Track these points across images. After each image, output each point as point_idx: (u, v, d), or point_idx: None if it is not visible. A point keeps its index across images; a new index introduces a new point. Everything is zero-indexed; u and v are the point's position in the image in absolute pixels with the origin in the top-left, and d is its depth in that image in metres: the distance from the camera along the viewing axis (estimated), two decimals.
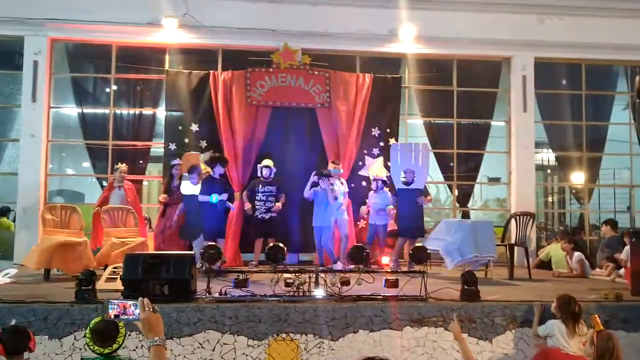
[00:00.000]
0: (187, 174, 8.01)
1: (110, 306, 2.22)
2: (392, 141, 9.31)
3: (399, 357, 5.14)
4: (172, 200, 8.37)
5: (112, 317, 2.23)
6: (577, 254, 8.09)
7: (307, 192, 8.18)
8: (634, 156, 10.70)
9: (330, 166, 8.56)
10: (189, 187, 7.96)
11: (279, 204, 8.28)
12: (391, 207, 8.36)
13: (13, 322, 4.02)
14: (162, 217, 8.47)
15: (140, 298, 2.20)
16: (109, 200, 8.20)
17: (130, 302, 2.21)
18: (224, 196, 7.93)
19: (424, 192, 8.32)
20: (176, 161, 8.66)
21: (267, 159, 8.56)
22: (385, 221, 8.44)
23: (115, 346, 3.59)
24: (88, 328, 3.66)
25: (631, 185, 10.89)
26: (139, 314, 2.17)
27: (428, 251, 5.96)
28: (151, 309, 2.18)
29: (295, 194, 8.70)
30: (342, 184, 8.57)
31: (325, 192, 8.05)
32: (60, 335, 5.05)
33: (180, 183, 8.31)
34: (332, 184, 8.11)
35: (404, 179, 8.25)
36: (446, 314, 5.22)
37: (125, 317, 2.22)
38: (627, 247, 7.08)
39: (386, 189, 8.59)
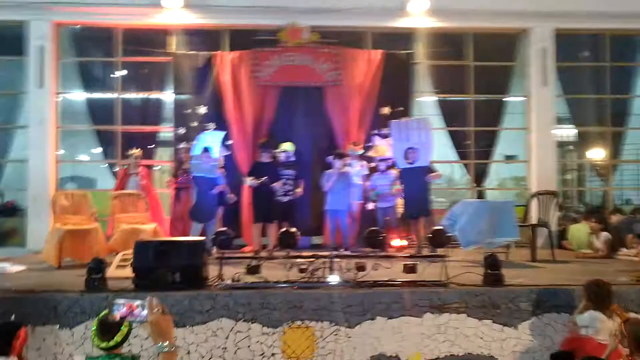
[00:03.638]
0: (199, 154, 7.79)
1: (115, 307, 2.01)
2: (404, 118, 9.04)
3: (419, 345, 4.97)
4: (183, 184, 8.20)
5: (118, 318, 2.02)
6: (604, 234, 7.83)
7: (325, 184, 8.00)
8: None
9: (349, 147, 8.40)
10: (200, 168, 7.74)
11: (299, 190, 8.10)
12: (397, 186, 8.08)
13: (12, 317, 3.90)
14: (176, 202, 8.31)
15: (148, 297, 1.98)
16: (126, 188, 8.10)
17: (137, 303, 1.99)
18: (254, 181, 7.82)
19: (432, 170, 7.89)
20: (182, 144, 8.49)
21: (287, 143, 8.39)
22: (394, 202, 8.21)
23: (112, 343, 3.43)
24: (97, 317, 3.54)
25: None
26: (146, 315, 1.96)
27: (448, 234, 5.73)
28: (160, 310, 1.96)
29: (304, 175, 8.50)
30: (360, 166, 8.36)
31: (337, 175, 7.85)
32: (71, 325, 4.97)
33: (190, 167, 8.12)
34: (348, 164, 7.89)
35: (407, 159, 7.85)
36: (468, 300, 5.02)
37: (132, 318, 2.00)
38: None
39: (391, 170, 8.34)
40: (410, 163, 7.79)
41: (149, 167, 9.20)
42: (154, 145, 9.82)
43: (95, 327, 3.49)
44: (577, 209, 10.89)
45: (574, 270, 6.36)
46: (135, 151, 8.42)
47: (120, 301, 2.02)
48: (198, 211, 7.82)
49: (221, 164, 8.33)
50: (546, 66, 9.66)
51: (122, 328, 3.52)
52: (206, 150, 7.79)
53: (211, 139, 8.13)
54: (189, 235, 7.57)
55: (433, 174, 7.81)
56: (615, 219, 8.58)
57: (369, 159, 8.82)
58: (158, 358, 1.94)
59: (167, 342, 1.93)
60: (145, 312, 1.97)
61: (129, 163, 8.43)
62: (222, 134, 8.43)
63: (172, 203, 8.46)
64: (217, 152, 7.95)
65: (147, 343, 4.95)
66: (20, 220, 9.58)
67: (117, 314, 2.01)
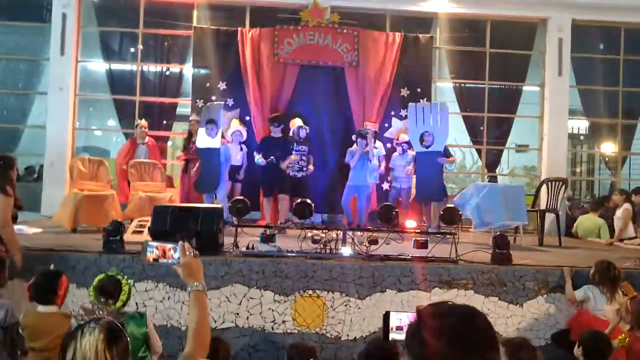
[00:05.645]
0: (204, 126, 7.76)
1: (148, 249, 2.12)
2: (423, 102, 9.09)
3: None
4: (193, 156, 8.24)
5: (151, 260, 2.13)
6: (625, 204, 7.95)
7: (350, 159, 8.04)
8: None
9: (365, 125, 8.50)
10: (205, 140, 7.73)
11: (311, 167, 8.20)
12: (409, 167, 8.16)
13: (52, 266, 3.99)
14: (184, 174, 8.42)
15: (180, 242, 2.11)
16: (134, 157, 8.22)
17: (170, 246, 2.12)
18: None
19: (446, 154, 7.94)
20: (193, 117, 8.58)
21: (298, 118, 8.43)
22: (409, 184, 8.30)
23: (118, 304, 3.52)
24: (92, 286, 3.62)
25: None
26: (179, 258, 2.08)
27: (460, 213, 5.83)
28: (192, 254, 2.09)
29: (321, 153, 8.59)
30: (375, 147, 8.46)
31: (361, 152, 7.95)
32: (88, 284, 5.00)
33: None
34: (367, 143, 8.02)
35: (422, 142, 7.89)
36: (476, 277, 5.14)
37: (165, 260, 2.12)
38: None
39: (410, 152, 8.43)
40: (426, 147, 7.85)
41: (159, 138, 9.30)
42: (169, 119, 9.93)
43: (93, 293, 3.55)
44: (586, 200, 10.93)
45: (579, 255, 6.46)
46: (141, 121, 8.51)
47: (153, 244, 2.14)
48: (202, 182, 7.82)
49: (242, 139, 8.44)
50: (562, 56, 9.69)
51: (122, 288, 3.60)
52: (210, 122, 7.73)
53: (213, 111, 8.00)
54: None
55: (445, 157, 7.86)
56: (637, 199, 8.49)
57: (387, 140, 8.91)
58: (190, 297, 2.07)
59: (198, 282, 2.06)
60: (177, 254, 2.10)
61: (136, 133, 8.55)
62: (221, 104, 8.34)
63: (181, 175, 8.57)
64: (220, 124, 7.89)
65: (161, 305, 5.11)
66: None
67: (151, 256, 2.13)
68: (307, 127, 8.31)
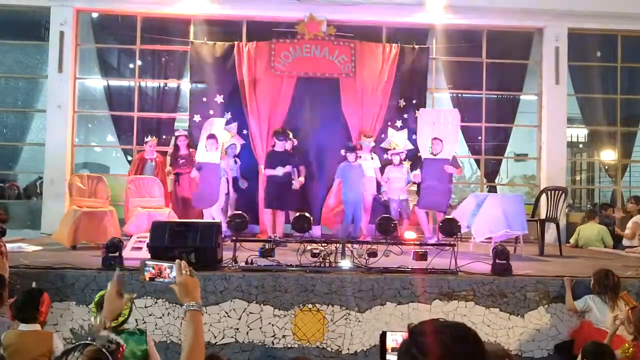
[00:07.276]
0: (204, 141, 7.85)
1: (145, 268, 2.13)
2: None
3: None
4: (182, 170, 8.29)
5: (148, 279, 2.13)
6: (638, 216, 7.93)
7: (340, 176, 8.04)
8: None
9: (361, 139, 8.50)
10: (204, 154, 7.80)
11: (301, 179, 8.17)
12: (417, 172, 8.08)
13: (33, 284, 3.98)
14: (177, 187, 8.41)
15: (177, 260, 2.09)
16: (142, 172, 8.25)
17: (166, 265, 2.11)
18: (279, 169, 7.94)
19: (454, 164, 7.82)
20: (180, 132, 8.60)
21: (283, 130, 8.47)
22: (406, 195, 8.27)
23: (120, 319, 3.47)
24: (94, 301, 3.59)
25: None
26: (175, 277, 2.07)
27: (459, 224, 5.81)
28: (188, 273, 2.07)
29: (318, 165, 8.61)
30: (372, 158, 8.45)
31: (351, 166, 7.93)
32: (88, 302, 5.06)
33: (188, 152, 8.26)
34: (360, 156, 7.97)
35: (431, 149, 7.82)
36: (477, 288, 5.11)
37: (161, 280, 2.12)
38: None
39: (405, 164, 8.40)
40: (434, 154, 7.77)
41: (163, 153, 9.32)
42: (167, 134, 9.94)
43: (95, 309, 3.49)
44: (587, 208, 10.92)
45: (580, 264, 6.44)
46: (151, 139, 8.55)
47: (150, 263, 2.14)
48: (200, 197, 7.85)
49: (235, 152, 8.45)
50: (559, 65, 9.70)
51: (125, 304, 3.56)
52: (211, 137, 7.83)
53: (215, 126, 8.12)
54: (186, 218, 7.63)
55: (457, 168, 7.80)
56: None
57: (383, 151, 8.91)
58: (185, 316, 2.04)
59: (194, 301, 2.04)
60: (174, 273, 2.09)
61: (145, 150, 8.58)
62: (223, 120, 8.46)
63: (173, 188, 8.52)
64: (221, 139, 7.98)
65: (160, 322, 5.08)
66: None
67: (147, 275, 2.13)
68: (294, 140, 8.31)
